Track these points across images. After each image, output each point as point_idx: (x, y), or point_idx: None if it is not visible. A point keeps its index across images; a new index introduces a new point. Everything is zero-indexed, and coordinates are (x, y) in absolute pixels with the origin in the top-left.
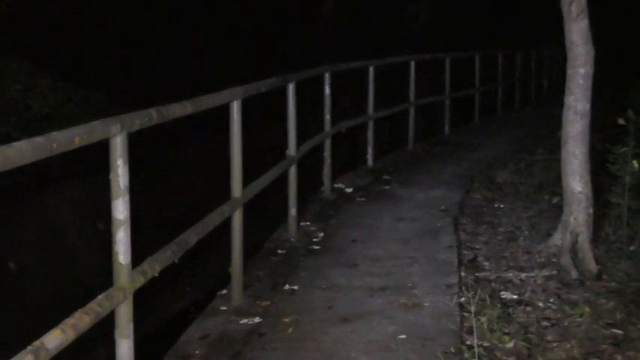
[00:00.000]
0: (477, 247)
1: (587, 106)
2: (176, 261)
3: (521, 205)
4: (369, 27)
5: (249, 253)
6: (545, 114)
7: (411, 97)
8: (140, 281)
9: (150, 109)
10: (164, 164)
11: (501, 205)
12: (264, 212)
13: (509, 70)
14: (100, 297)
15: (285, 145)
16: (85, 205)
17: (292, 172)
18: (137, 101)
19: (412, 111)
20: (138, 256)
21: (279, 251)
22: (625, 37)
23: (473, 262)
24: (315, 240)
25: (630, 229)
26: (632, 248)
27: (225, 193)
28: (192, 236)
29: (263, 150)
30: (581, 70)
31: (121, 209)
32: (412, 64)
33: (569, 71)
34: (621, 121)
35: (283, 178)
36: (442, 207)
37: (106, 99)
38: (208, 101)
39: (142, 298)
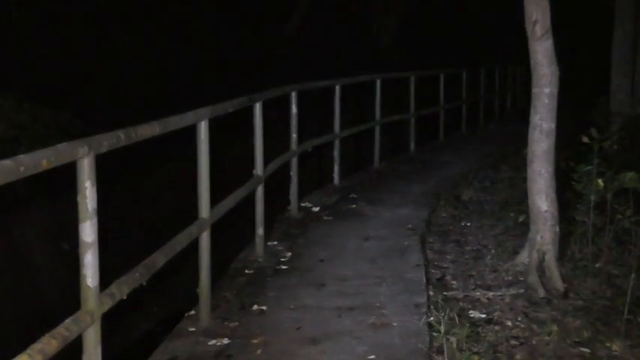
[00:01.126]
0: (445, 265)
1: (553, 126)
2: (144, 283)
3: (488, 223)
4: (334, 46)
5: (216, 273)
6: (509, 131)
7: (377, 115)
8: (108, 304)
9: (118, 130)
10: (133, 183)
11: (468, 223)
12: (231, 231)
13: (474, 87)
14: (67, 321)
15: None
16: (51, 226)
17: (259, 191)
18: (105, 120)
19: (378, 129)
20: (106, 279)
21: (247, 271)
22: (590, 55)
23: (441, 280)
24: (282, 259)
25: (595, 246)
26: (597, 266)
27: (193, 213)
28: (159, 258)
29: (231, 168)
30: (547, 90)
31: (88, 232)
32: (378, 82)
33: (535, 90)
34: (585, 140)
35: (250, 197)
36: (409, 225)
37: (73, 119)
38: (176, 122)
39: (109, 320)
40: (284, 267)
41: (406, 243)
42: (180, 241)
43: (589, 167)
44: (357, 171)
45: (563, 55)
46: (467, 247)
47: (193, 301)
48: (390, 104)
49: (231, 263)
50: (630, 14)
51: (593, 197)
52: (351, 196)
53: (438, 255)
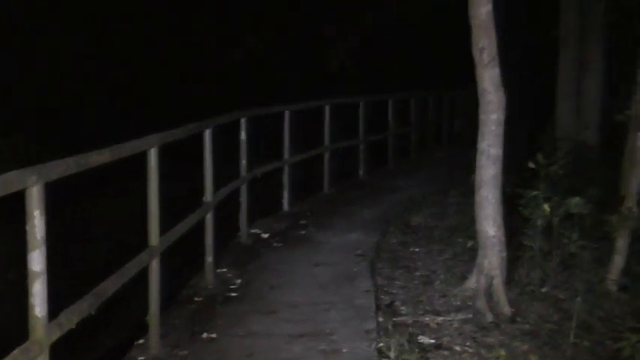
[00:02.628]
0: (394, 291)
1: (500, 151)
2: (93, 312)
3: (437, 249)
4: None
5: (166, 301)
6: (458, 156)
7: (326, 141)
8: (57, 334)
9: (68, 158)
10: (83, 210)
11: (417, 249)
12: (180, 258)
13: (422, 113)
14: (15, 351)
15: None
16: None
17: (209, 218)
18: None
19: (327, 155)
20: (53, 308)
21: (197, 299)
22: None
23: (390, 306)
24: (232, 287)
25: (542, 271)
26: (544, 290)
27: (143, 240)
28: (109, 286)
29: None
30: (493, 116)
31: (37, 261)
32: (327, 108)
33: (482, 117)
34: (531, 165)
35: (201, 224)
36: (359, 251)
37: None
38: (126, 149)
39: (57, 350)
40: (234, 294)
41: (356, 269)
42: (129, 269)
43: (536, 193)
44: (307, 197)
45: (510, 81)
46: (416, 273)
47: (143, 329)
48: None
49: (180, 290)
50: (573, 41)
51: (540, 222)
52: (300, 222)
53: (388, 281)
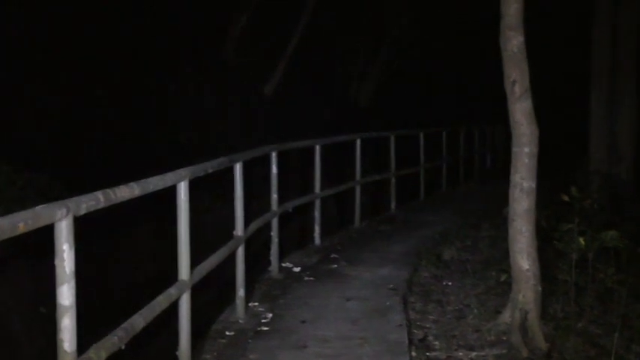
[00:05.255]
0: (427, 325)
1: (533, 185)
2: (123, 347)
3: (469, 283)
4: (314, 106)
5: (197, 335)
6: (489, 190)
7: (357, 175)
8: None
9: (97, 192)
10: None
11: (449, 283)
12: (212, 292)
13: (454, 147)
14: None
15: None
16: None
17: (240, 252)
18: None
19: (358, 189)
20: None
21: (228, 333)
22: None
23: (423, 341)
24: (263, 321)
25: (577, 305)
26: (580, 325)
27: (174, 274)
28: (138, 321)
29: (212, 227)
30: (526, 149)
31: (66, 295)
32: (358, 142)
33: (515, 150)
34: (565, 198)
35: (232, 257)
36: (390, 285)
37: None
38: (156, 183)
39: None
40: (265, 328)
41: (388, 303)
42: (160, 303)
43: (570, 226)
44: (338, 231)
45: (544, 115)
46: (449, 307)
47: None
48: (371, 163)
49: (211, 325)
50: (606, 75)
51: (575, 256)
52: (332, 256)
53: (420, 315)
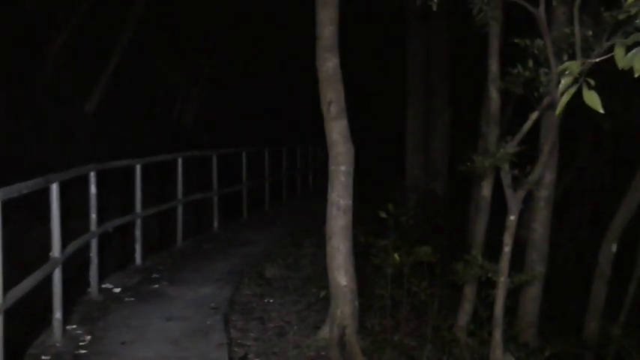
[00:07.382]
0: (248, 343)
1: (350, 202)
2: None
3: (291, 300)
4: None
5: None
6: (312, 206)
7: (179, 194)
8: None
9: None
10: None
11: (271, 300)
12: (27, 316)
13: (277, 166)
14: None
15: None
16: None
17: (57, 274)
18: None
19: (180, 208)
20: None
21: (44, 357)
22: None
23: (244, 359)
24: (81, 344)
25: (394, 319)
26: (396, 338)
27: None
28: None
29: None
30: (342, 168)
31: None
32: (179, 161)
33: (332, 168)
34: (382, 215)
35: (48, 279)
36: (212, 304)
37: None
38: None
39: None
40: (83, 351)
41: (209, 322)
42: None
43: (385, 242)
44: (161, 250)
45: (360, 133)
46: (270, 324)
47: None
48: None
49: (27, 349)
50: (420, 95)
51: (390, 271)
52: (153, 276)
53: (242, 333)
